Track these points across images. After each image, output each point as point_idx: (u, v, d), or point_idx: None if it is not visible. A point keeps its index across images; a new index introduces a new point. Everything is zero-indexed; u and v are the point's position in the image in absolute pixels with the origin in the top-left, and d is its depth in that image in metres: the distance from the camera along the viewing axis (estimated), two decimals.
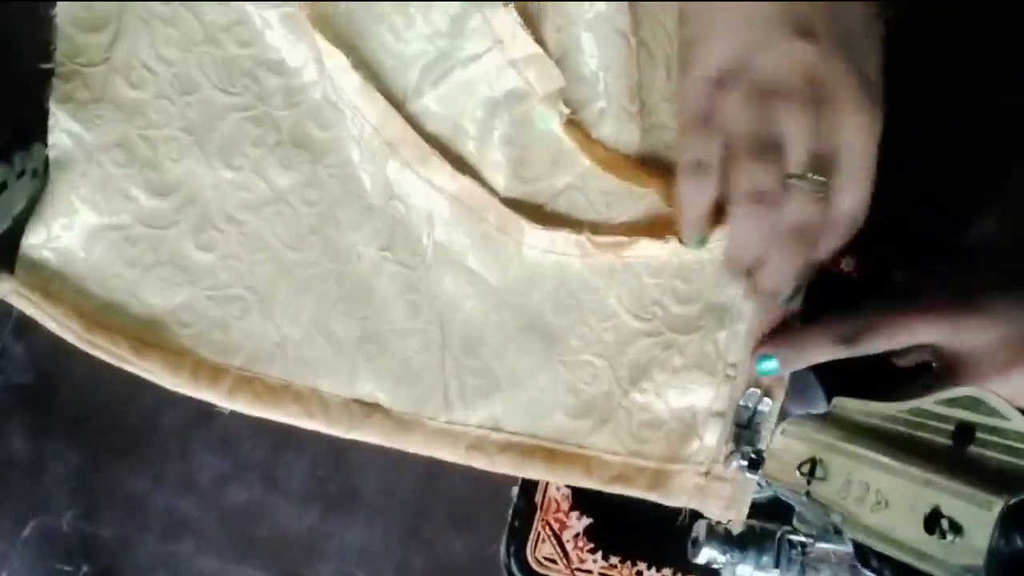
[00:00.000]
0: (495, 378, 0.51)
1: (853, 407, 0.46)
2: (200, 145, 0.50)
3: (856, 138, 0.43)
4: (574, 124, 0.49)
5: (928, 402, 0.41)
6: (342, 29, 0.50)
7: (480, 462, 0.51)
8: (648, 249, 0.50)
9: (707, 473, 0.50)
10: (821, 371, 0.50)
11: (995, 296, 0.44)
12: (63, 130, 0.49)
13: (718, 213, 0.47)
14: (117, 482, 0.54)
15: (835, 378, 0.50)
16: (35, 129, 0.51)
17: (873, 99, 0.43)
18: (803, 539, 0.44)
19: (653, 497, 0.51)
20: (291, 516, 0.55)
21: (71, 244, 0.50)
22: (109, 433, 0.51)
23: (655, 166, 0.50)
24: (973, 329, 0.44)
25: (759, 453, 0.49)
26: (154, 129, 0.50)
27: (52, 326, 0.49)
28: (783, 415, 0.50)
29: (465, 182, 0.49)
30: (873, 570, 0.41)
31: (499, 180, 0.50)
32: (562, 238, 0.50)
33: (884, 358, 0.47)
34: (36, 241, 0.50)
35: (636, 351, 0.51)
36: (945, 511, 0.35)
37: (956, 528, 0.35)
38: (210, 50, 0.50)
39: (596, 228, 0.50)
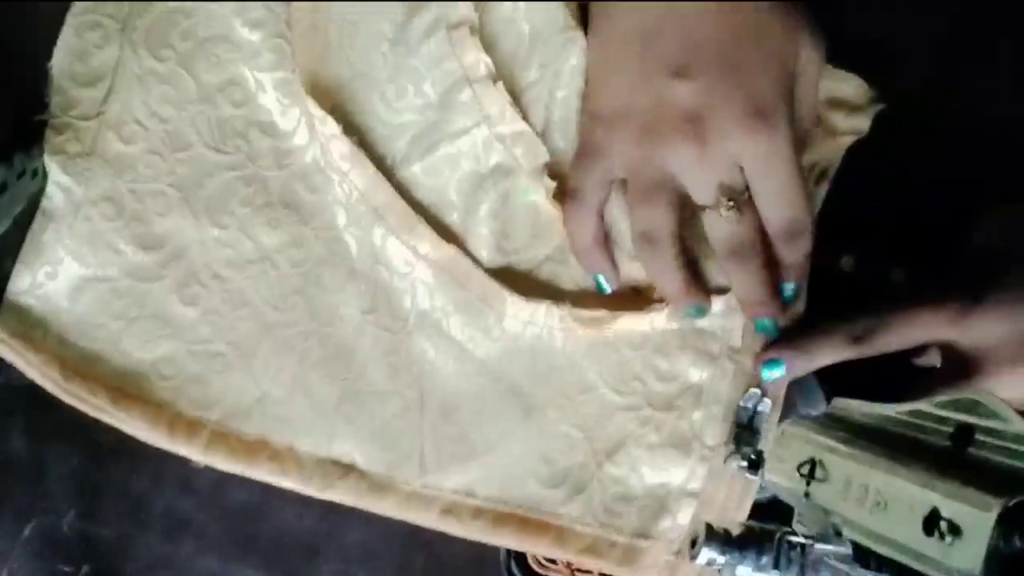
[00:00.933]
0: (471, 444, 0.51)
1: (853, 408, 0.46)
2: (188, 202, 0.50)
3: (754, 158, 0.44)
4: (556, 197, 0.50)
5: (927, 404, 0.41)
6: (335, 96, 0.50)
7: (453, 527, 0.51)
8: (629, 323, 0.50)
9: (678, 552, 0.51)
10: (821, 372, 0.50)
11: (1006, 293, 0.45)
12: (54, 182, 0.50)
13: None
14: (117, 482, 0.54)
15: (835, 379, 0.50)
16: (35, 130, 0.51)
17: (765, 115, 0.44)
18: (802, 540, 0.44)
19: (623, 572, 0.51)
20: (291, 516, 0.55)
21: (55, 293, 0.50)
22: (109, 433, 0.51)
23: None
24: (985, 325, 0.44)
25: (759, 454, 0.49)
26: (143, 183, 0.50)
27: (32, 374, 0.50)
28: (783, 416, 0.50)
29: (449, 251, 0.49)
30: (872, 571, 0.41)
31: (483, 252, 0.50)
32: (544, 311, 0.50)
33: (883, 359, 0.47)
34: (21, 287, 0.50)
35: (614, 425, 0.51)
36: (944, 513, 0.35)
37: (955, 530, 0.35)
38: (204, 109, 0.50)
39: (577, 300, 0.50)
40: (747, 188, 0.46)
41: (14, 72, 0.51)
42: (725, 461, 0.50)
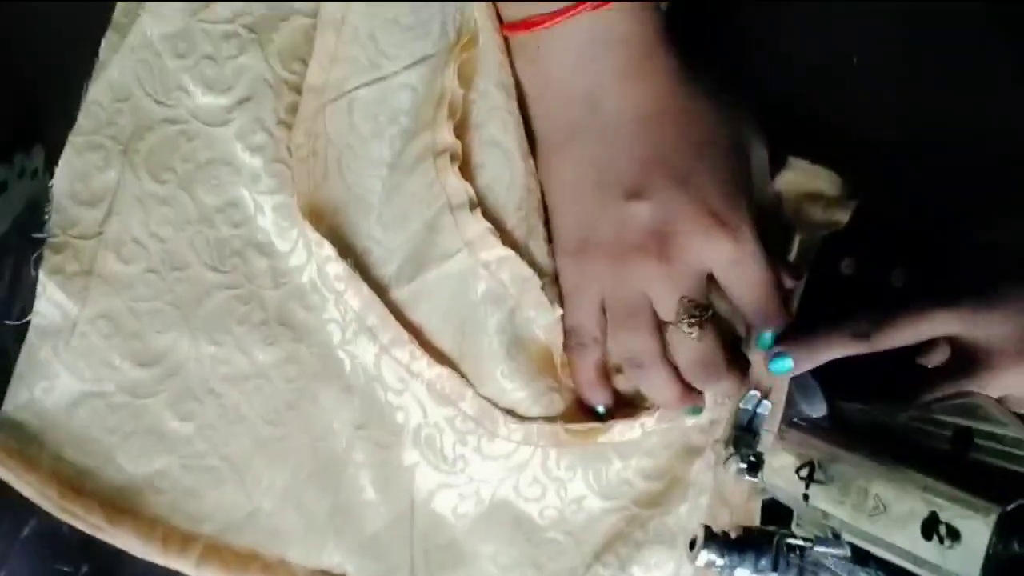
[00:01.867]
0: (460, 553, 0.52)
1: (852, 411, 0.46)
2: (186, 319, 0.51)
3: (722, 264, 0.45)
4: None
5: (927, 407, 0.41)
6: (331, 219, 0.51)
7: None
8: (621, 433, 0.50)
9: None
10: (822, 375, 0.50)
11: (1012, 288, 0.45)
12: (50, 300, 0.50)
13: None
14: None
15: (835, 382, 0.50)
16: (35, 129, 0.51)
17: (724, 221, 0.44)
18: (801, 543, 0.44)
19: None
20: None
21: (52, 408, 0.51)
22: None
23: None
24: (992, 320, 0.45)
25: (758, 456, 0.49)
26: (141, 302, 0.51)
27: (28, 492, 0.50)
28: (784, 418, 0.50)
29: (442, 371, 0.49)
30: (870, 574, 0.41)
31: (479, 374, 0.50)
32: (536, 430, 0.50)
33: (884, 361, 0.47)
34: (18, 403, 0.51)
35: (602, 527, 0.52)
36: (943, 517, 0.35)
37: (954, 534, 0.35)
38: (203, 229, 0.51)
39: (568, 416, 0.50)
40: (710, 306, 0.46)
41: (14, 72, 0.51)
42: (725, 463, 0.50)
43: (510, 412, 0.50)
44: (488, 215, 0.48)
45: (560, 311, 0.49)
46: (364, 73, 0.51)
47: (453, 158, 0.48)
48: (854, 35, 0.53)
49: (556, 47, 0.46)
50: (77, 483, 0.51)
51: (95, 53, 0.51)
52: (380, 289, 0.50)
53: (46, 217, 0.51)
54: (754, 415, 0.51)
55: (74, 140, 0.51)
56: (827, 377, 0.51)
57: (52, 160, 0.51)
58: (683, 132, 0.46)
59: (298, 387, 0.51)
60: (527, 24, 0.46)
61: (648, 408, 0.51)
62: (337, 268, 0.50)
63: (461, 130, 0.49)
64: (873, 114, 0.52)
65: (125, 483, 0.51)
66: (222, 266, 0.51)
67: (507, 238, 0.48)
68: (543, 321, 0.49)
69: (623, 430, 0.50)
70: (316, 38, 0.50)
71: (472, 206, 0.48)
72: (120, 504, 0.51)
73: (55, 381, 0.51)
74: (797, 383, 0.50)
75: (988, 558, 0.33)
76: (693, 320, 0.46)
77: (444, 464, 0.51)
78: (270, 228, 0.51)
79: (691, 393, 0.49)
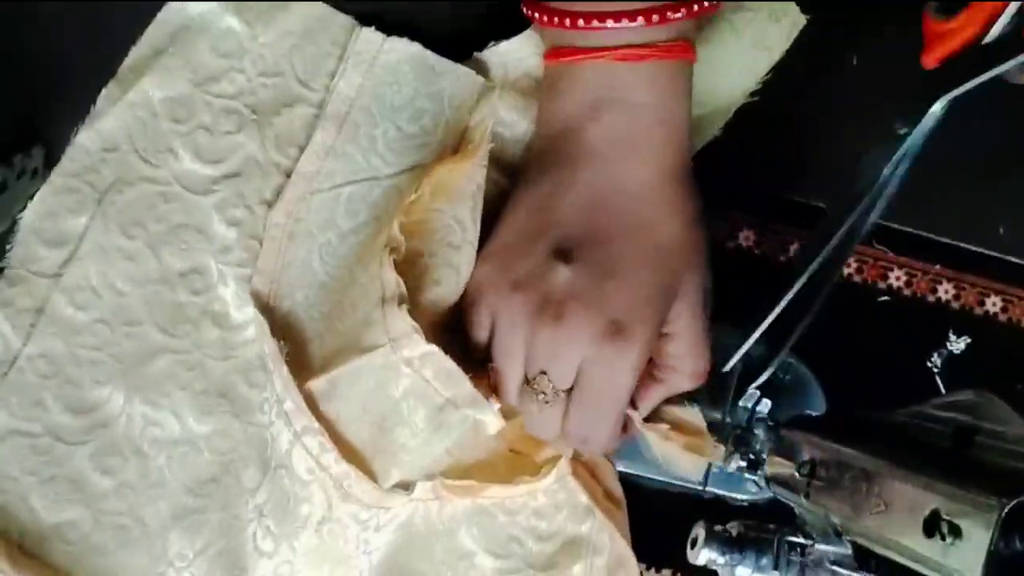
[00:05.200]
0: None
1: (852, 409, 0.46)
2: (125, 375, 0.50)
3: (593, 362, 0.44)
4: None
5: (927, 405, 0.41)
6: (290, 301, 0.51)
7: None
8: (501, 492, 0.50)
9: None
10: (821, 372, 0.50)
11: None
12: None
13: None
14: None
15: (835, 379, 0.50)
16: (34, 130, 0.51)
17: (622, 331, 0.44)
18: (802, 541, 0.44)
19: None
20: None
21: None
22: None
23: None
24: None
25: (758, 454, 0.49)
26: (86, 350, 0.50)
27: None
28: (784, 417, 0.50)
29: (349, 470, 0.48)
30: (872, 571, 0.42)
31: (392, 470, 0.49)
32: (419, 486, 0.49)
33: (884, 358, 0.47)
34: None
35: None
36: (945, 514, 0.35)
37: (956, 531, 0.35)
38: (161, 290, 0.51)
39: (447, 472, 0.50)
40: (567, 391, 0.46)
41: (14, 73, 0.51)
42: (724, 462, 0.50)
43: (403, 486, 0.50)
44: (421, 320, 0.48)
45: (497, 405, 0.48)
46: (357, 171, 0.51)
47: (394, 251, 0.47)
48: None
49: (577, 83, 0.46)
50: None
51: (96, 54, 0.51)
52: (307, 374, 0.49)
53: (8, 247, 0.50)
54: (752, 414, 0.51)
55: (54, 180, 0.50)
56: (826, 376, 0.51)
57: (51, 161, 0.51)
58: (645, 220, 0.45)
59: (225, 461, 0.51)
60: (561, 53, 0.46)
61: (530, 476, 0.50)
62: (271, 346, 0.49)
63: (430, 243, 0.49)
64: None
65: (34, 527, 0.50)
66: (173, 330, 0.51)
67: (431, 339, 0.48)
68: (480, 416, 0.48)
69: (502, 491, 0.50)
70: (317, 129, 0.51)
71: (401, 301, 0.47)
72: (26, 547, 0.50)
73: None
74: (796, 382, 0.51)
75: (990, 555, 0.33)
76: (543, 393, 0.46)
77: (344, 555, 0.50)
78: (230, 299, 0.51)
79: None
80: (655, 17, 0.43)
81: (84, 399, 0.50)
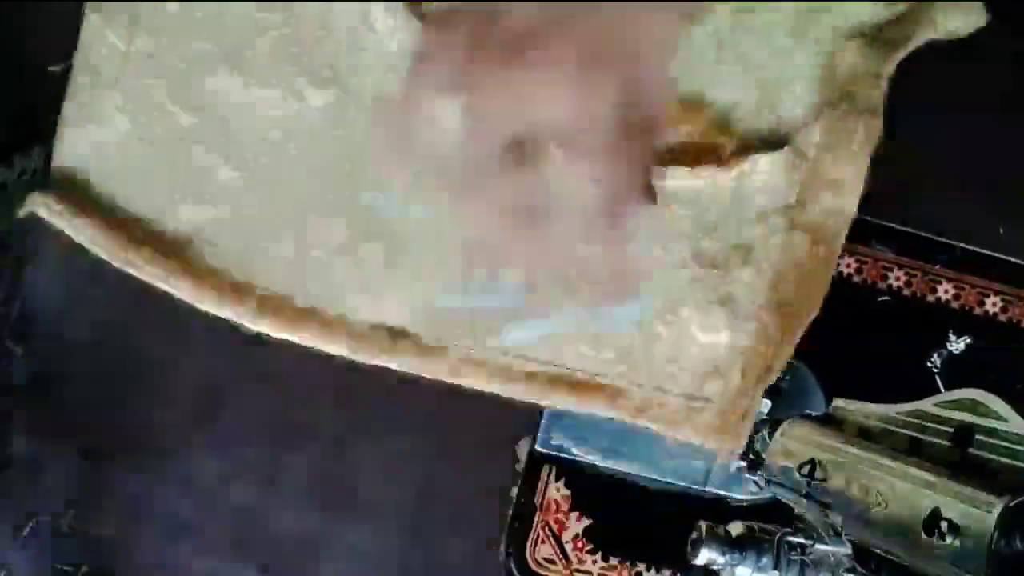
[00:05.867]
0: (520, 308, 0.51)
1: (853, 409, 0.46)
2: (236, 61, 0.50)
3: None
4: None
5: (928, 405, 0.41)
6: None
7: (504, 389, 0.51)
8: (682, 177, 0.50)
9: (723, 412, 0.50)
10: (821, 372, 0.50)
11: None
12: (97, 38, 0.49)
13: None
14: (117, 482, 0.55)
15: (835, 379, 0.50)
16: (34, 131, 0.51)
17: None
18: (802, 540, 0.44)
19: (672, 434, 0.50)
20: (291, 516, 0.55)
21: (104, 152, 0.50)
22: (109, 433, 0.51)
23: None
24: None
25: (758, 454, 0.49)
26: (191, 42, 0.50)
27: (82, 240, 0.49)
28: (784, 416, 0.50)
29: None
30: (872, 571, 0.42)
31: None
32: None
33: (884, 358, 0.47)
34: (70, 149, 0.50)
35: (665, 283, 0.51)
36: (945, 513, 0.36)
37: (955, 529, 0.35)
38: None
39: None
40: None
41: (14, 73, 0.51)
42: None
43: None
44: None
45: None
46: None
47: None
48: None
49: None
50: (130, 233, 0.50)
51: None
52: None
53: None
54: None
55: None
56: (827, 376, 0.51)
57: (51, 161, 0.51)
58: None
59: (351, 139, 0.50)
60: None
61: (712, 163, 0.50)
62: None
63: None
64: None
65: (178, 233, 0.51)
66: (271, 7, 0.50)
67: None
68: None
69: (683, 173, 0.50)
70: None
71: None
72: (173, 253, 0.50)
73: (106, 124, 0.50)
74: (797, 382, 0.50)
75: (990, 553, 0.33)
76: None
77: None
78: None
79: None
80: None
81: (201, 93, 0.50)
